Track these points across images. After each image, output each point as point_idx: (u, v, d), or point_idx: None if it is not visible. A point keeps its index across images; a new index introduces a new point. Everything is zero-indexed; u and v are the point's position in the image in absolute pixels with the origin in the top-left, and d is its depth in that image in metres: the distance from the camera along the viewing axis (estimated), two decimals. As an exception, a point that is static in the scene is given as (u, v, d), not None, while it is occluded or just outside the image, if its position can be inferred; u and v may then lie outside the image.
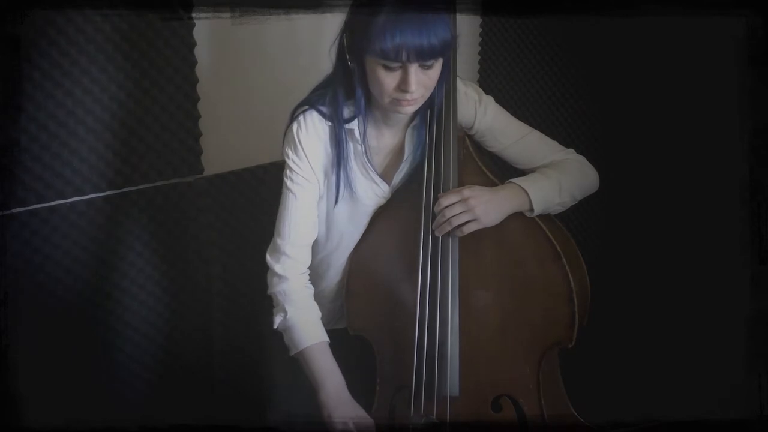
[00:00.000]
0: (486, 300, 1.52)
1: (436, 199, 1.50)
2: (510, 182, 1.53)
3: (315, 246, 1.60)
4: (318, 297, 1.61)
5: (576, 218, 2.39)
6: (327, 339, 1.56)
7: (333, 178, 1.55)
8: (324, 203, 1.59)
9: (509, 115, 1.63)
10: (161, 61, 1.77)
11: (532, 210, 1.50)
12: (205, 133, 1.88)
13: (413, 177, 1.58)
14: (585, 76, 2.45)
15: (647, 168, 2.40)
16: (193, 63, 1.82)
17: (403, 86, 1.39)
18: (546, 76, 2.45)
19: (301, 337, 1.53)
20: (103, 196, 1.76)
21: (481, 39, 2.35)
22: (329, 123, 1.52)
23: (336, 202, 1.57)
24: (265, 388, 1.88)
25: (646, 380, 2.28)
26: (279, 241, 1.55)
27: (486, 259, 1.53)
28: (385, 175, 1.59)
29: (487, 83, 2.37)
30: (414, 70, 1.37)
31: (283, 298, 1.55)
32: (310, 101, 1.53)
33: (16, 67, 1.56)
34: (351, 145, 1.54)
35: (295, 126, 1.53)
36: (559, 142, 1.63)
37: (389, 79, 1.39)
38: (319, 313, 1.58)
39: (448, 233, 1.49)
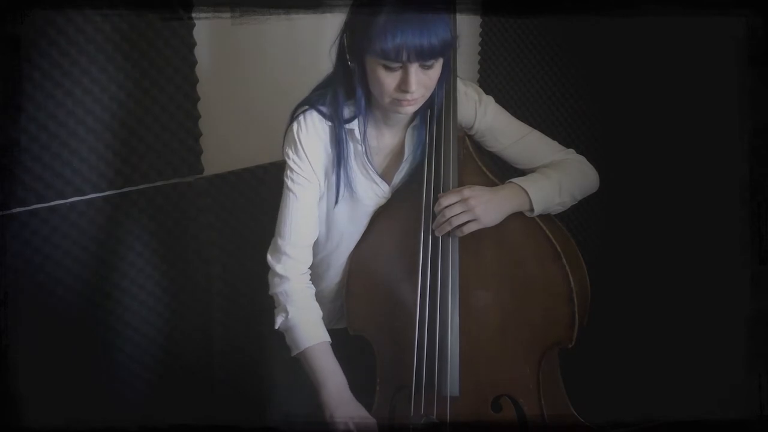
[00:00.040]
0: (486, 300, 1.52)
1: (436, 199, 1.50)
2: (510, 182, 1.53)
3: (315, 246, 1.60)
4: (318, 297, 1.61)
5: (576, 218, 2.39)
6: (328, 339, 1.56)
7: (333, 178, 1.55)
8: (324, 203, 1.59)
9: (509, 115, 1.63)
10: (161, 61, 1.77)
11: (532, 210, 1.50)
12: (205, 133, 1.88)
13: (413, 177, 1.58)
14: (585, 76, 2.45)
15: (647, 168, 2.39)
16: (193, 63, 1.82)
17: (403, 86, 1.39)
18: (546, 76, 2.45)
19: (303, 337, 1.53)
20: (103, 196, 1.76)
21: (481, 39, 2.34)
22: (329, 123, 1.52)
23: (336, 202, 1.57)
24: (265, 388, 1.89)
25: (646, 380, 2.28)
26: (280, 241, 1.55)
27: (486, 259, 1.53)
28: (385, 175, 1.59)
29: (487, 83, 2.37)
30: (414, 70, 1.37)
31: (285, 298, 1.55)
32: (311, 101, 1.53)
33: (16, 67, 1.56)
34: (351, 145, 1.54)
35: (295, 126, 1.53)
36: (559, 142, 1.63)
37: (389, 79, 1.39)
38: (321, 313, 1.58)
39: (448, 233, 1.49)
